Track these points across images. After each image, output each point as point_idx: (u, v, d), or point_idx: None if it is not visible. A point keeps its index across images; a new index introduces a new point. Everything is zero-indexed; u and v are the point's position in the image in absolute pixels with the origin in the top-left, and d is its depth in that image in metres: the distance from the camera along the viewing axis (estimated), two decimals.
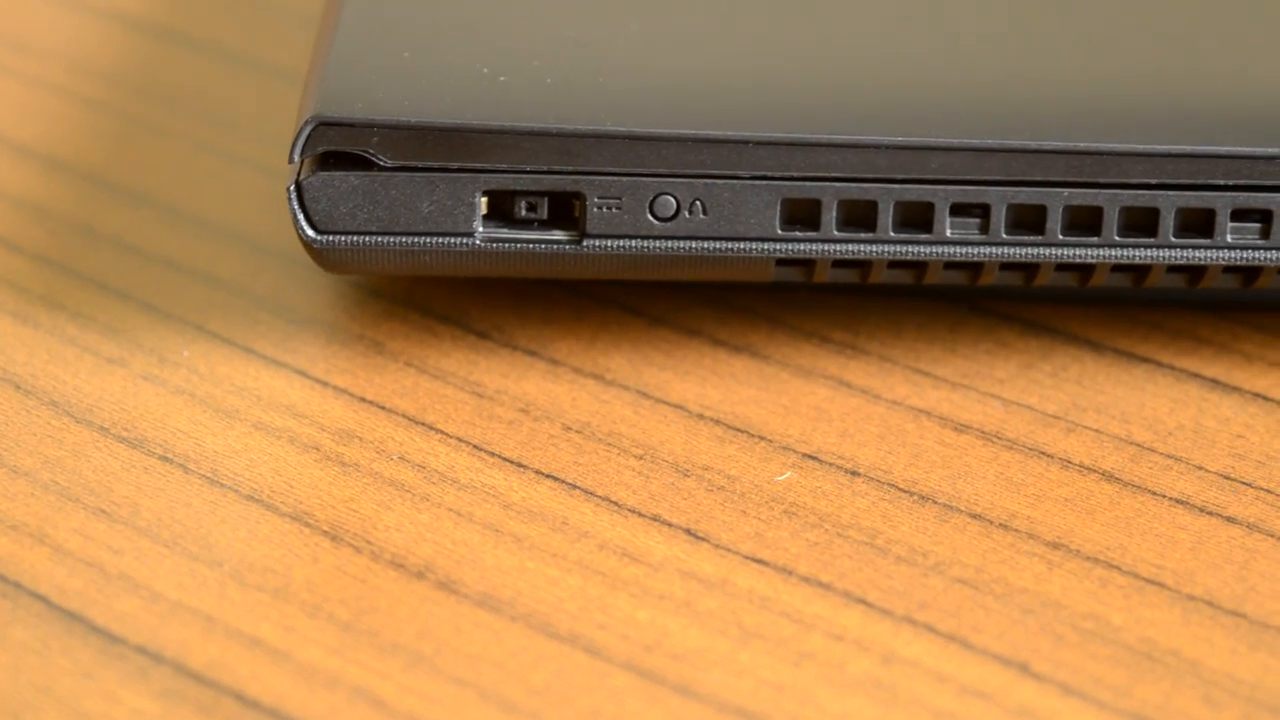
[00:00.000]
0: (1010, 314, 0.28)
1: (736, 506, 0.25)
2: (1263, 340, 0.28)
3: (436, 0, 0.27)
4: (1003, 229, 0.26)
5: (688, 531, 0.24)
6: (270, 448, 0.25)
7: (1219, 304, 0.28)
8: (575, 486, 0.25)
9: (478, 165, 0.25)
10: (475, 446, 0.26)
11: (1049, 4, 0.28)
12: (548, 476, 0.25)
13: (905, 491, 0.25)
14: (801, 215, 0.25)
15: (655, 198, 0.25)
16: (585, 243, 0.25)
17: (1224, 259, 0.26)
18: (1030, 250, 0.26)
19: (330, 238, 0.25)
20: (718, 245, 0.25)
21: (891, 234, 0.25)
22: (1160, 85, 0.26)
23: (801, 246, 0.25)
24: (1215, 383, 0.27)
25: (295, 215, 0.25)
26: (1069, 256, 0.26)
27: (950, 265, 0.26)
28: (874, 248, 0.26)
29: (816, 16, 0.27)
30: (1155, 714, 0.22)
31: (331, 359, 0.27)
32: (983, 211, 0.25)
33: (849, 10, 0.28)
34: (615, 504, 0.25)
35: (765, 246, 0.25)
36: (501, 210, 0.25)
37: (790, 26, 0.27)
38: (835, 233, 0.25)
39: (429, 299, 0.28)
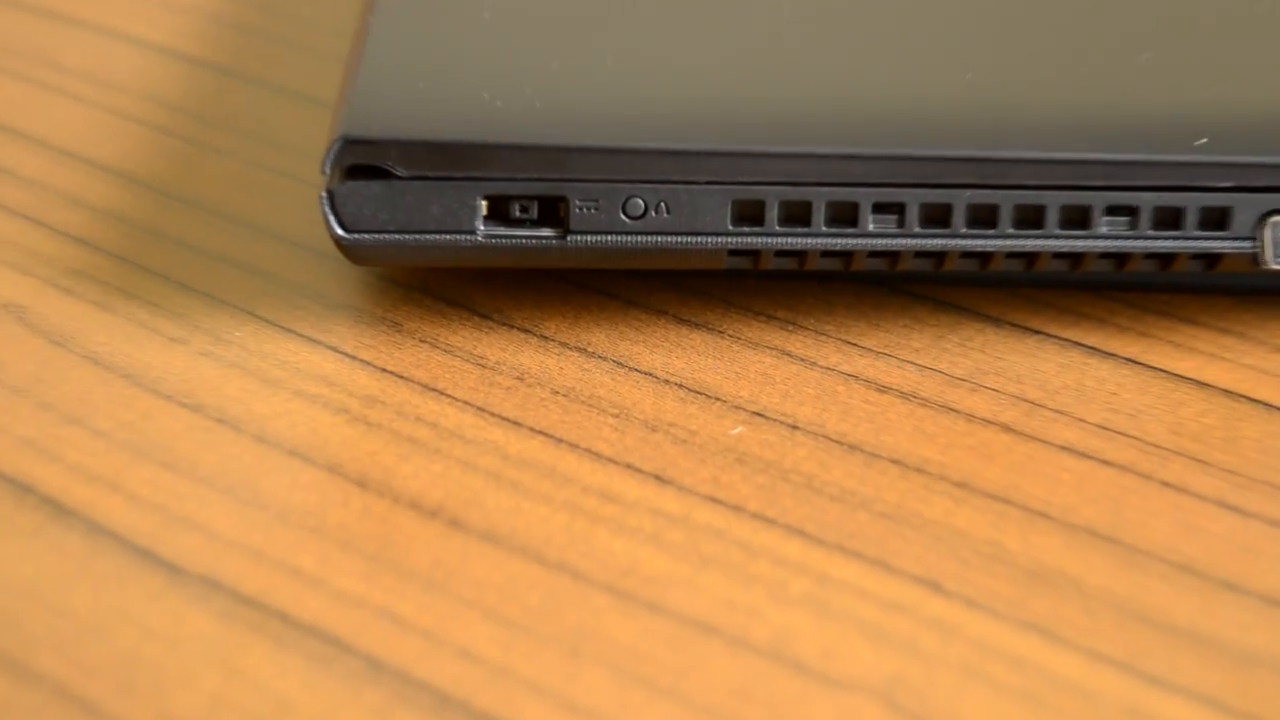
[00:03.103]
0: (924, 294, 0.28)
1: (696, 456, 0.25)
2: (1133, 315, 0.28)
3: (444, 38, 0.27)
4: (916, 224, 0.26)
5: (656, 477, 0.24)
6: (308, 411, 0.25)
7: (1096, 285, 0.28)
8: (561, 440, 0.25)
9: (479, 174, 0.25)
10: (479, 408, 0.26)
11: (957, 34, 0.28)
12: (539, 432, 0.25)
13: (837, 442, 0.25)
14: (748, 214, 0.26)
15: (627, 200, 0.25)
16: (569, 238, 0.25)
17: (1099, 247, 0.26)
18: (939, 241, 0.26)
19: (357, 236, 0.25)
20: (679, 239, 0.25)
21: (824, 229, 0.26)
22: (1047, 99, 0.26)
23: (749, 240, 0.26)
24: (1094, 350, 0.27)
25: (327, 217, 0.25)
26: (971, 246, 0.26)
27: (873, 254, 0.26)
28: (809, 240, 0.26)
29: (760, 42, 0.27)
30: (1043, 622, 0.22)
31: (358, 337, 0.27)
32: (899, 209, 0.26)
33: (787, 35, 0.28)
34: (595, 454, 0.25)
35: (718, 240, 0.26)
36: (499, 212, 0.25)
37: (738, 51, 0.27)
38: (777, 228, 0.26)
39: (440, 286, 0.28)
